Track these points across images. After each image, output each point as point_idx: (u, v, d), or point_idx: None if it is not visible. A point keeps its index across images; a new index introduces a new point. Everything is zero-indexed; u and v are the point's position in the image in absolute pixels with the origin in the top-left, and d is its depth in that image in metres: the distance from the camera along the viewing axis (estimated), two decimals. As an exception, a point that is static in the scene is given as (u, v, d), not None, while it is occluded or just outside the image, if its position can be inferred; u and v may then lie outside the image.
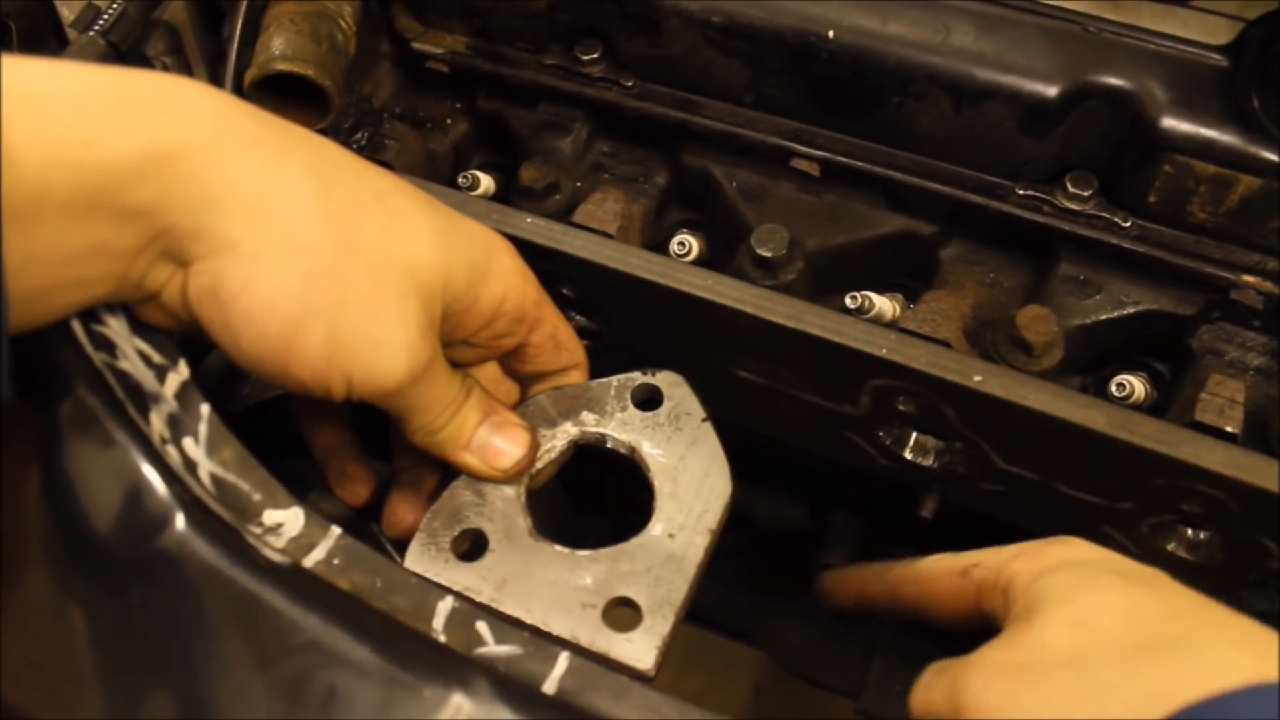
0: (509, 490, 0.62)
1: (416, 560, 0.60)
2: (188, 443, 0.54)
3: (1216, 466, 0.57)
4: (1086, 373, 0.75)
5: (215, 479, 0.53)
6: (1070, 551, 0.54)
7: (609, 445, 0.65)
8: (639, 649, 0.56)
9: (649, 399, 0.66)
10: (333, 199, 0.52)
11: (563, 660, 0.50)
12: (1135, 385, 0.72)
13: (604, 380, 0.66)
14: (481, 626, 0.51)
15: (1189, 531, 0.65)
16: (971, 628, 0.57)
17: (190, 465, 0.53)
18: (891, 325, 0.71)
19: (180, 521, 0.52)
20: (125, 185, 0.47)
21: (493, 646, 0.51)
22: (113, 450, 0.53)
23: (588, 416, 0.65)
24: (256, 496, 0.53)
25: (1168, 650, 0.46)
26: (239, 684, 0.49)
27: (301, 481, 0.74)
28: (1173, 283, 0.71)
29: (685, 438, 0.64)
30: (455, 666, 0.50)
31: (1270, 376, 0.69)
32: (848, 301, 0.73)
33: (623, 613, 0.57)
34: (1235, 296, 0.69)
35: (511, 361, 0.66)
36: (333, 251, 0.51)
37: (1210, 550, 0.65)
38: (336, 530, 0.53)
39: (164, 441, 0.54)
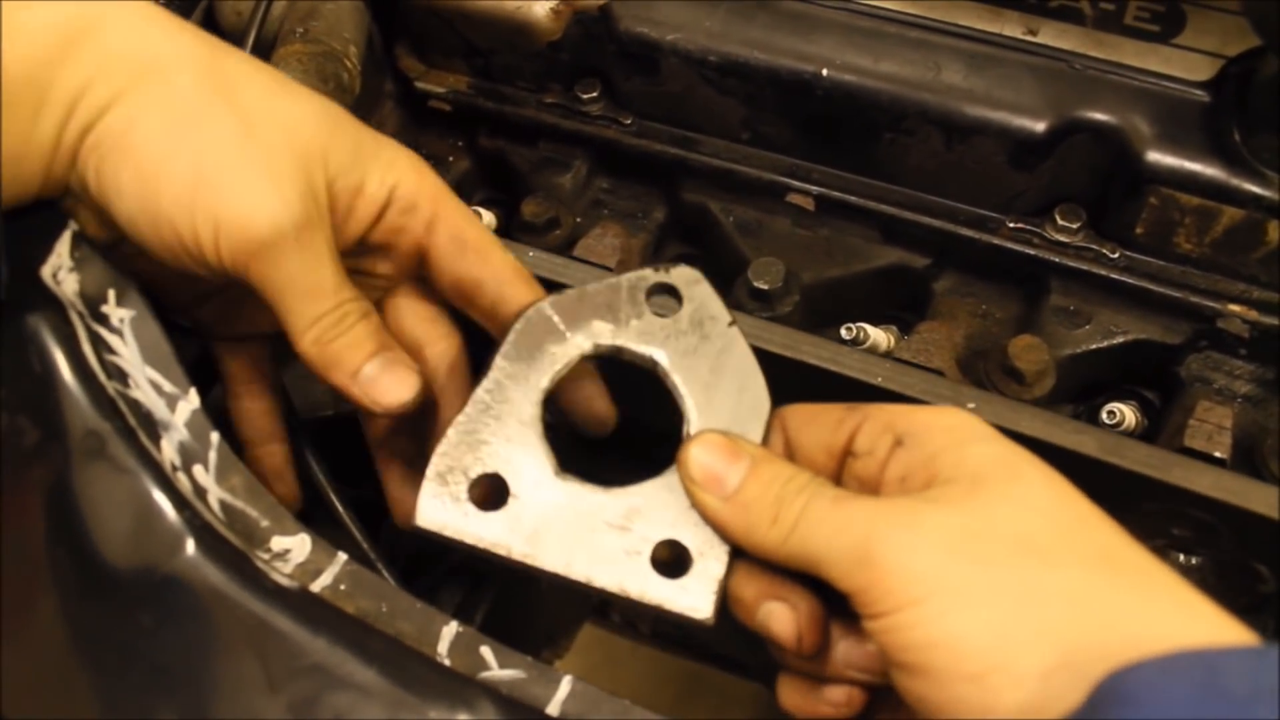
0: (526, 414, 0.54)
1: (433, 514, 0.53)
2: (198, 470, 0.55)
3: (1206, 490, 0.58)
4: (1078, 401, 0.77)
5: (224, 505, 0.54)
6: (983, 425, 0.50)
7: (626, 359, 0.56)
8: (695, 596, 0.51)
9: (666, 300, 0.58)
10: (219, 61, 0.56)
11: (566, 684, 0.51)
12: (1126, 413, 0.73)
13: (612, 280, 0.57)
14: (485, 651, 0.52)
15: (1181, 557, 0.66)
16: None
17: (200, 492, 0.54)
18: (886, 356, 0.73)
19: (190, 547, 0.53)
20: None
21: (496, 670, 0.51)
22: (124, 477, 0.54)
23: (599, 326, 0.56)
24: (265, 523, 0.54)
25: (1133, 575, 0.44)
26: (247, 706, 0.50)
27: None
28: (1161, 312, 0.73)
29: (712, 346, 0.55)
30: (460, 690, 0.50)
31: (1257, 403, 0.71)
32: (843, 333, 0.74)
33: (671, 557, 0.52)
34: (1222, 325, 0.71)
35: (427, 274, 0.62)
36: (209, 100, 0.54)
37: (1203, 576, 0.66)
38: (343, 556, 0.54)
39: (174, 468, 0.55)
